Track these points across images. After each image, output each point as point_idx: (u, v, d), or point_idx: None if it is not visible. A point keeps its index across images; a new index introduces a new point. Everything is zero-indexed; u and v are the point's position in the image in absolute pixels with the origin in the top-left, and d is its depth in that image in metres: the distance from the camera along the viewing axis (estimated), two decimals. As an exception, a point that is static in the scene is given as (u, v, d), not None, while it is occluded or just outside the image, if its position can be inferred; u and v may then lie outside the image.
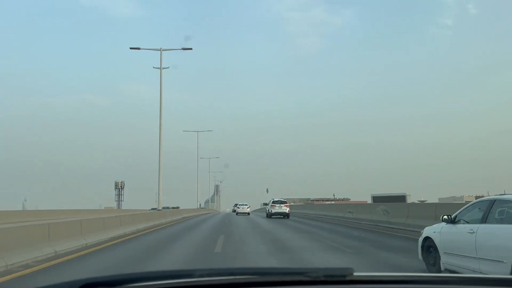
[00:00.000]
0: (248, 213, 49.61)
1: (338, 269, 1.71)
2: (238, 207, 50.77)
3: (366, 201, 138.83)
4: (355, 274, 1.70)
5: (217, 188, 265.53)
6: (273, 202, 37.04)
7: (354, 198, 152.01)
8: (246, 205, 50.77)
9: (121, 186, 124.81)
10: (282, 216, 36.10)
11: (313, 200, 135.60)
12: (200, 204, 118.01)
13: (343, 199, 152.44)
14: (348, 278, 1.69)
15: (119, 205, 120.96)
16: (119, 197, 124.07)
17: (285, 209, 36.23)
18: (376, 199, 56.48)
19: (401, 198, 54.77)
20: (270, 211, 36.60)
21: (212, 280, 1.68)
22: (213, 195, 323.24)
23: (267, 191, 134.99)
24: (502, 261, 6.23)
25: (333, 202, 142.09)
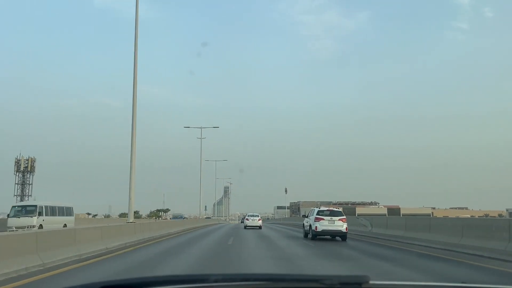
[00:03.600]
0: (260, 227, 40.02)
1: (353, 277, 1.65)
2: (247, 219, 40.98)
3: (399, 206, 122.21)
4: (371, 282, 1.65)
5: (226, 190, 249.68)
6: (319, 213, 21.80)
7: (384, 202, 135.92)
8: (257, 216, 41.86)
9: (27, 168, 63.37)
10: (332, 237, 21.65)
11: (336, 204, 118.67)
12: (206, 207, 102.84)
13: (370, 203, 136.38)
14: (363, 286, 1.63)
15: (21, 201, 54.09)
16: (22, 188, 63.39)
17: (340, 225, 21.09)
18: None
19: None
20: (314, 228, 21.36)
21: (226, 285, 1.66)
22: (222, 198, 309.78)
23: (286, 191, 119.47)
24: None
25: (381, 206, 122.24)
